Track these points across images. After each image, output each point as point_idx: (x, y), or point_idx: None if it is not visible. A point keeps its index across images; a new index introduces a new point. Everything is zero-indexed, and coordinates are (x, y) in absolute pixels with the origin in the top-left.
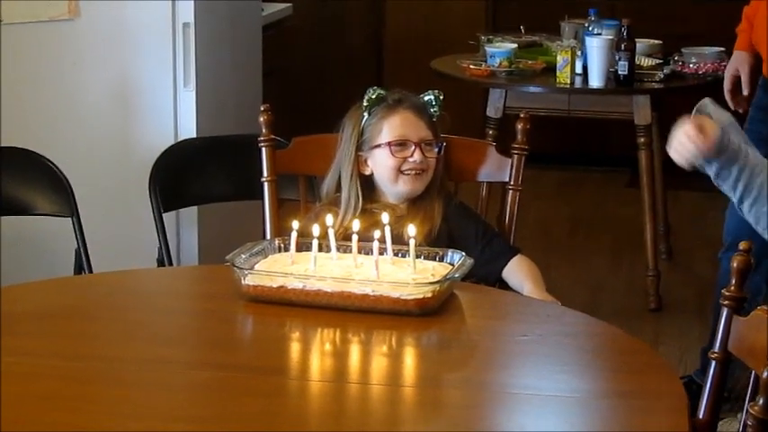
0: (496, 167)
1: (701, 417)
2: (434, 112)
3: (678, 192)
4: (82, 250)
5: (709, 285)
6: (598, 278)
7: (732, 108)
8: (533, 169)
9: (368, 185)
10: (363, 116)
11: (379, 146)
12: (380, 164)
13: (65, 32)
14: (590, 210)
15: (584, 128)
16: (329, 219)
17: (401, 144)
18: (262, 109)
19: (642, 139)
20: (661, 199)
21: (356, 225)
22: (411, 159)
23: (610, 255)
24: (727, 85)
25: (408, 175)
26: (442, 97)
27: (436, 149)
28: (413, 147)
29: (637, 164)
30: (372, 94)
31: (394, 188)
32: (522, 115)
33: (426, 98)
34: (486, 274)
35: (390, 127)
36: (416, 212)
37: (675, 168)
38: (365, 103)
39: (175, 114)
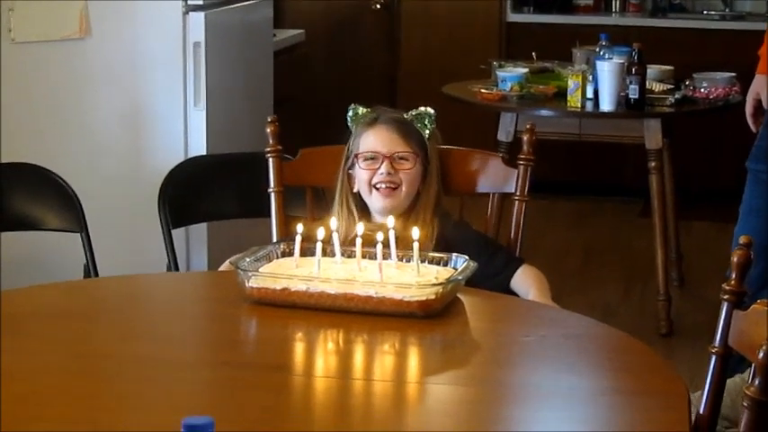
0: (503, 179)
1: (701, 411)
2: (424, 128)
3: (691, 222)
4: (90, 266)
5: None
6: (610, 304)
7: (754, 131)
8: (547, 199)
9: (362, 205)
10: (351, 135)
11: (355, 160)
12: (357, 178)
13: (76, 51)
14: (603, 239)
15: (598, 158)
16: (333, 222)
17: (372, 157)
18: (269, 120)
19: (653, 164)
20: (673, 225)
21: (360, 228)
22: (380, 172)
23: (622, 283)
24: (748, 109)
25: (380, 189)
26: (433, 114)
27: (420, 165)
28: (381, 159)
29: (650, 194)
30: (351, 112)
31: (371, 203)
32: (528, 126)
33: (415, 113)
34: (494, 288)
35: (364, 142)
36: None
37: (688, 198)
38: (348, 122)
39: (185, 133)
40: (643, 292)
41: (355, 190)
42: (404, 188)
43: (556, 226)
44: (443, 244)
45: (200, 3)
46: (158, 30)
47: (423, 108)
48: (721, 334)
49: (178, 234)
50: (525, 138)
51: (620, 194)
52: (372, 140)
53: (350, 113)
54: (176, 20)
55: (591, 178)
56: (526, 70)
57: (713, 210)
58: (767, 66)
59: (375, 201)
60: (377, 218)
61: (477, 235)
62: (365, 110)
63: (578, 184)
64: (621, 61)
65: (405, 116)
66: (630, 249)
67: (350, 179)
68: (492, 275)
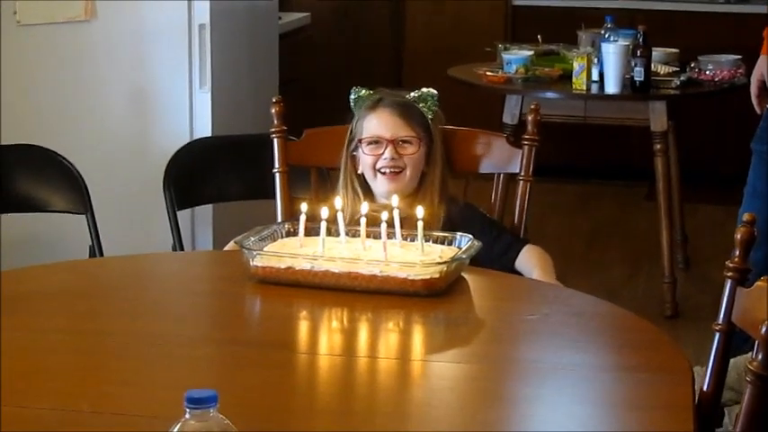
0: (507, 159)
1: (705, 389)
2: (428, 110)
3: (696, 205)
4: (96, 247)
5: None
6: (615, 287)
7: (759, 112)
8: (552, 182)
9: (366, 187)
10: (354, 117)
11: (359, 145)
12: (361, 162)
13: (81, 34)
14: (608, 222)
15: (603, 140)
16: (338, 202)
17: (375, 142)
18: (274, 100)
19: (659, 146)
20: (678, 208)
21: (365, 208)
22: (383, 157)
23: (627, 265)
24: (753, 90)
25: (384, 173)
26: (436, 95)
27: (423, 148)
28: (385, 144)
29: (655, 177)
30: (354, 94)
31: (375, 187)
32: (532, 106)
33: (417, 95)
34: (499, 269)
35: (367, 126)
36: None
37: (693, 180)
38: (351, 105)
39: (191, 115)
40: (648, 274)
41: (359, 172)
42: (408, 171)
43: (561, 209)
44: (449, 226)
45: None
46: (164, 12)
47: (425, 89)
48: (725, 311)
49: (183, 216)
50: (530, 118)
51: (625, 177)
52: (375, 124)
53: (352, 96)
54: (182, 2)
55: (596, 161)
56: (531, 53)
57: (718, 192)
58: None
59: (380, 185)
60: (381, 200)
61: (482, 216)
62: (367, 92)
63: (583, 166)
64: (626, 44)
65: (407, 98)
66: (635, 232)
67: (353, 161)
68: (497, 256)
